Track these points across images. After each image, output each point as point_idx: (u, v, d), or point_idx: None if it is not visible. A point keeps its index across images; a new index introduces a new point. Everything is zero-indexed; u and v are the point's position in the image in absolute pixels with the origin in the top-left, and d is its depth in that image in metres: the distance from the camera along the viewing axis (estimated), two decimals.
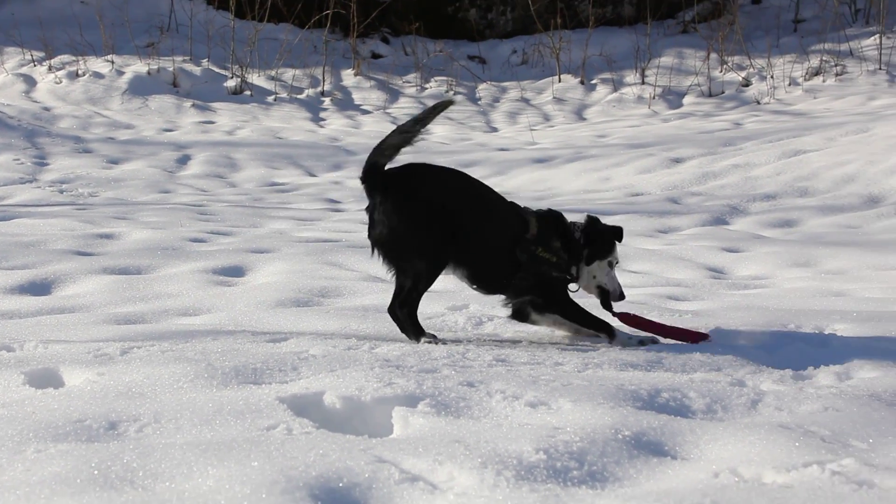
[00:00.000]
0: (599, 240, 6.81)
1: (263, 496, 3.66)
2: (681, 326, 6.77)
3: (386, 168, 6.42)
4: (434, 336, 6.41)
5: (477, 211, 6.54)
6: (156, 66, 22.61)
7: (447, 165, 6.91)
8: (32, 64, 22.80)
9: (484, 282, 6.64)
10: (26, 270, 8.85)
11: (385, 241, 6.38)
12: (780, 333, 6.70)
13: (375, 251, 6.46)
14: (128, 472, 3.87)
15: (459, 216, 6.43)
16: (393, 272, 6.50)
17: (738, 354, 6.18)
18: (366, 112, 22.12)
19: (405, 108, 22.37)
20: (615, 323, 6.73)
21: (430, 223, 6.34)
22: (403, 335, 6.50)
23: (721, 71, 23.38)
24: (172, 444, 4.17)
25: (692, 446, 4.36)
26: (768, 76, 22.49)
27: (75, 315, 7.42)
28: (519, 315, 6.77)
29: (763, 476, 4.00)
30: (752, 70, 23.11)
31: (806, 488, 3.85)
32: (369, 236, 6.45)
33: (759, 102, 21.57)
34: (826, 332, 6.79)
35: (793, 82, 22.27)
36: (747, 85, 22.68)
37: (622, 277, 9.43)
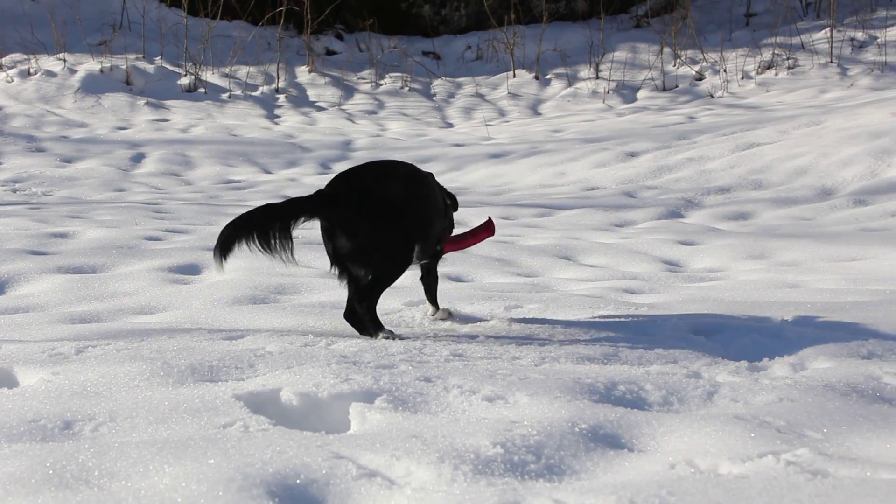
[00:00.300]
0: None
1: (220, 494, 3.64)
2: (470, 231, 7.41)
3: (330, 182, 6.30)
4: (391, 332, 6.39)
5: (420, 193, 6.47)
6: (108, 65, 22.46)
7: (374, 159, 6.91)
8: None
9: (427, 254, 6.70)
10: None
11: (352, 249, 6.18)
12: (736, 325, 6.74)
13: (337, 265, 6.29)
14: (83, 472, 3.85)
15: (409, 203, 6.34)
16: (352, 276, 6.34)
17: (694, 347, 6.21)
18: (321, 109, 22.07)
19: (360, 105, 22.35)
20: None
21: (394, 218, 6.25)
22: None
23: (674, 65, 23.50)
24: (128, 443, 4.15)
25: (649, 438, 4.38)
26: (721, 70, 22.62)
27: (30, 315, 7.36)
28: (428, 275, 7.06)
29: (719, 467, 4.02)
30: (705, 64, 23.24)
31: (761, 479, 3.87)
32: (335, 251, 6.24)
33: (712, 96, 21.70)
34: (781, 324, 6.83)
35: (745, 76, 22.41)
36: (701, 79, 22.80)
37: (579, 271, 9.48)
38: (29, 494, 3.65)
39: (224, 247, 6.09)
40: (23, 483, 3.73)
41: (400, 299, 7.67)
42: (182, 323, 6.97)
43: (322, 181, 16.60)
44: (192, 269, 9.14)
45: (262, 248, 6.07)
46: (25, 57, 22.58)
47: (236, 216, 6.14)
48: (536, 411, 4.61)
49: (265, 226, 6.05)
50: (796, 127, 16.62)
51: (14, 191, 14.81)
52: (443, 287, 8.15)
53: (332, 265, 6.32)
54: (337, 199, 6.16)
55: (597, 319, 7.02)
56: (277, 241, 6.07)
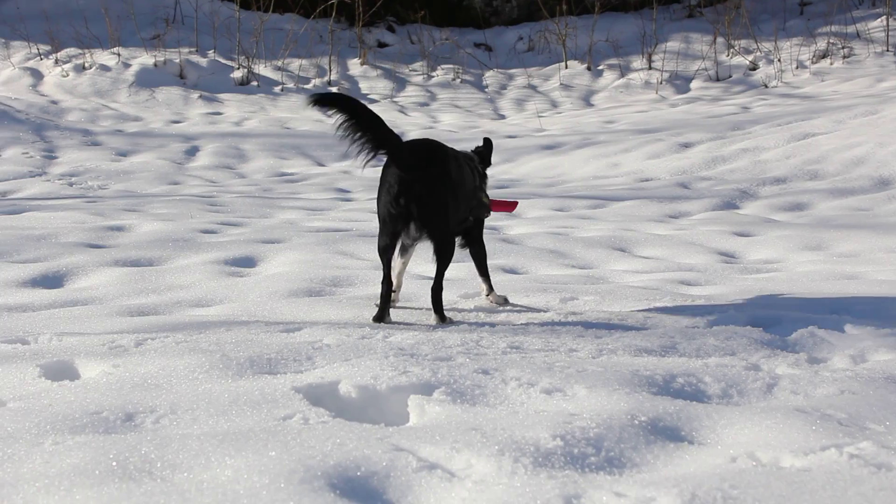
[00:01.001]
0: None
1: (282, 486, 3.66)
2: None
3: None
4: (450, 319, 6.75)
5: (464, 174, 7.11)
6: (162, 58, 22.60)
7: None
8: (39, 58, 22.81)
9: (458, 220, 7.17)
10: (38, 263, 8.86)
11: (421, 210, 6.60)
12: (794, 317, 6.68)
13: (400, 217, 6.60)
14: (146, 464, 3.88)
15: (460, 183, 6.96)
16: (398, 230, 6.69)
17: (752, 339, 6.17)
18: (373, 101, 22.10)
19: (412, 97, 22.36)
20: None
21: (451, 193, 6.77)
22: (415, 322, 6.51)
23: (728, 55, 23.34)
24: (189, 435, 4.18)
25: (709, 431, 4.36)
26: (775, 59, 22.45)
27: (88, 307, 7.42)
28: (473, 243, 7.49)
29: (781, 460, 4.00)
30: (759, 53, 23.06)
31: (824, 472, 3.85)
32: (406, 204, 6.58)
33: (766, 86, 21.53)
34: (840, 315, 6.77)
35: (800, 65, 22.22)
36: (754, 69, 22.63)
37: (634, 262, 9.45)
38: (94, 486, 3.69)
39: (324, 102, 6.60)
40: (87, 474, 3.77)
41: (456, 291, 7.66)
42: (239, 315, 7.01)
43: (375, 173, 16.62)
44: (248, 262, 9.19)
45: (344, 131, 6.61)
46: (80, 51, 22.77)
47: (353, 99, 6.64)
48: (595, 404, 4.61)
49: (360, 124, 6.58)
50: (852, 116, 16.47)
51: (70, 184, 14.94)
52: (498, 279, 8.15)
53: (391, 215, 6.59)
54: (420, 167, 6.60)
55: (653, 311, 6.99)
56: (356, 141, 6.62)
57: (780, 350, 5.97)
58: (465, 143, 16.95)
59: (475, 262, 7.42)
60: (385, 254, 6.71)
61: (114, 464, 3.85)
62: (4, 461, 3.95)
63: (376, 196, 6.78)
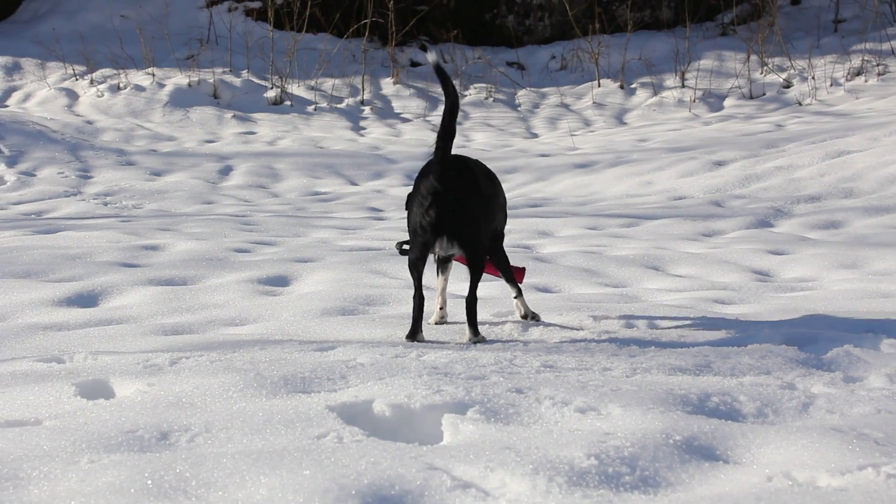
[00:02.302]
0: None
1: None
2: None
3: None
4: (483, 337, 6.77)
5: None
6: (196, 78, 22.73)
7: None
8: (74, 78, 22.98)
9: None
10: (73, 283, 8.91)
11: (454, 224, 6.66)
12: (829, 336, 6.65)
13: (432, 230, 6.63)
14: (181, 482, 3.89)
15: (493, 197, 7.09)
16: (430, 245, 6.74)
17: (787, 357, 6.15)
18: (406, 120, 22.16)
19: None
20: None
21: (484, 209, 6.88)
22: (448, 341, 6.51)
23: (761, 73, 23.28)
24: (224, 454, 4.19)
25: (744, 450, 4.34)
26: (809, 77, 22.37)
27: (123, 326, 7.46)
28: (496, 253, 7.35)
29: (817, 479, 3.98)
30: (792, 71, 22.99)
31: (861, 491, 3.82)
32: (439, 218, 6.62)
33: (800, 104, 21.46)
34: (876, 334, 6.73)
35: (834, 83, 22.14)
36: (788, 86, 22.56)
37: (667, 281, 9.42)
38: None
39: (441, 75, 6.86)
40: (122, 493, 3.78)
41: (489, 310, 7.66)
42: (273, 334, 7.03)
43: (408, 192, 16.62)
44: (282, 281, 9.22)
45: None
46: (115, 72, 22.92)
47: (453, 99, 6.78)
48: (630, 423, 4.59)
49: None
50: (887, 134, 16.39)
51: (105, 204, 15.03)
52: (531, 297, 8.14)
53: (422, 227, 6.62)
54: (452, 178, 6.63)
55: (687, 330, 6.96)
56: None
57: (816, 369, 5.94)
58: (499, 163, 17.00)
59: (501, 271, 7.36)
60: (415, 268, 6.71)
61: (149, 482, 3.87)
62: (41, 480, 3.97)
63: (406, 211, 6.79)
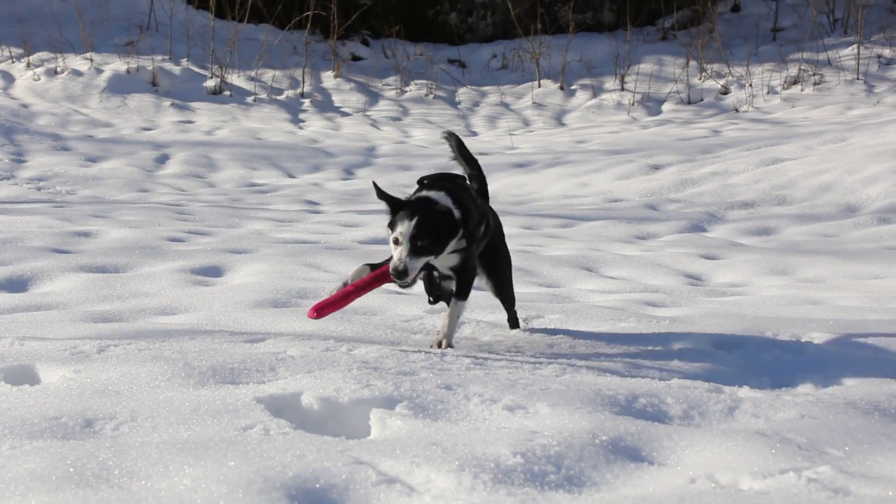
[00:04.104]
0: None
1: (240, 496, 3.65)
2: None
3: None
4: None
5: None
6: (135, 65, 22.53)
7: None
8: (11, 60, 22.70)
9: None
10: (3, 267, 8.81)
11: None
12: (758, 341, 6.71)
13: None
14: (104, 471, 3.86)
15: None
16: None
17: (716, 361, 6.20)
18: (345, 114, 22.10)
19: (385, 111, 22.36)
20: None
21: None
22: (379, 336, 6.49)
23: (700, 78, 23.45)
24: (149, 443, 4.16)
25: (669, 452, 4.37)
26: (747, 84, 22.56)
27: (52, 312, 7.38)
28: None
29: (740, 482, 4.01)
30: (730, 78, 23.19)
31: (782, 495, 3.86)
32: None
33: (737, 110, 21.65)
34: (803, 340, 6.80)
35: (771, 91, 22.36)
36: (726, 93, 22.75)
37: (601, 282, 9.47)
38: (50, 491, 3.66)
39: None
40: (44, 480, 3.74)
41: (422, 307, 7.65)
42: (203, 324, 6.98)
43: (346, 186, 16.72)
44: (214, 272, 9.16)
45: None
46: (53, 56, 22.66)
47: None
48: (557, 422, 4.61)
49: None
50: (821, 143, 16.57)
51: (38, 189, 14.86)
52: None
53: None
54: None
55: (618, 331, 7.00)
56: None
57: (743, 373, 5.99)
58: (436, 160, 16.98)
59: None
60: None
61: (71, 470, 3.83)
62: None
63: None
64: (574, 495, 3.90)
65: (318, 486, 3.78)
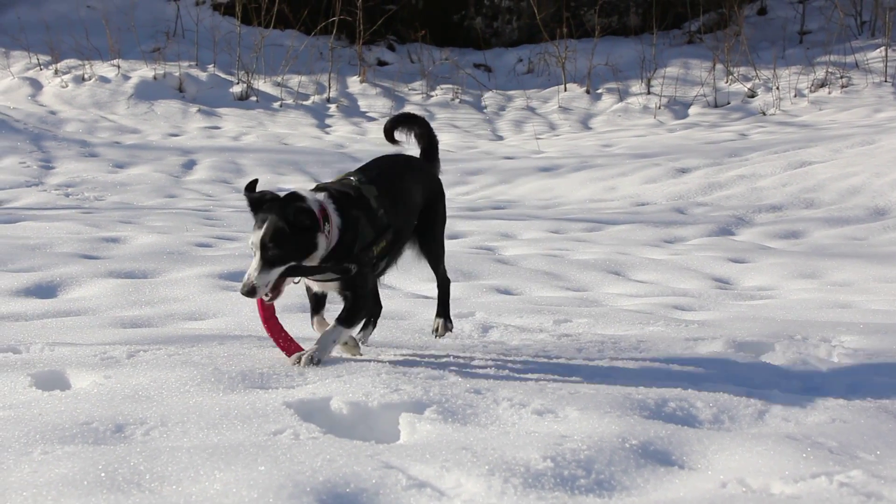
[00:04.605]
0: None
1: (271, 500, 3.66)
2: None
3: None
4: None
5: None
6: (162, 72, 22.61)
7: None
8: (39, 68, 22.81)
9: None
10: (32, 273, 8.85)
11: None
12: (787, 345, 6.68)
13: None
14: (135, 475, 3.87)
15: None
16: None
17: (745, 365, 6.18)
18: (371, 119, 22.12)
19: None
20: None
21: None
22: (407, 341, 6.49)
23: (727, 82, 23.38)
24: (179, 448, 4.17)
25: (699, 456, 4.36)
26: (774, 87, 22.49)
27: (81, 318, 7.41)
28: None
29: (771, 487, 3.99)
30: (757, 81, 23.11)
31: (814, 499, 3.84)
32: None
33: (764, 114, 21.57)
34: (833, 344, 6.77)
35: (798, 94, 22.27)
36: (753, 96, 22.67)
37: (628, 286, 9.44)
38: (82, 496, 3.68)
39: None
40: (75, 485, 3.76)
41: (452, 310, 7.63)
42: (232, 330, 7.00)
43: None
44: (242, 277, 9.16)
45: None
46: (80, 63, 22.77)
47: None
48: (587, 426, 4.60)
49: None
50: (849, 146, 16.50)
51: (67, 195, 14.93)
52: (491, 299, 8.14)
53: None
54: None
55: (646, 335, 6.98)
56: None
57: (773, 377, 5.96)
58: (462, 164, 17.00)
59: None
60: None
61: (102, 475, 3.84)
62: None
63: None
64: (604, 499, 3.90)
65: (348, 490, 3.79)
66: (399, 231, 5.98)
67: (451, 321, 6.43)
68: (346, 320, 5.74)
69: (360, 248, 5.66)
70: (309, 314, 6.13)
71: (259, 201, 5.62)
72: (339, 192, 5.70)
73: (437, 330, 6.36)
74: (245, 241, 11.20)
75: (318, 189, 5.80)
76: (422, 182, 6.31)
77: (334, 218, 5.58)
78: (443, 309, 6.43)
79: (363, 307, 5.81)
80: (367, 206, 5.76)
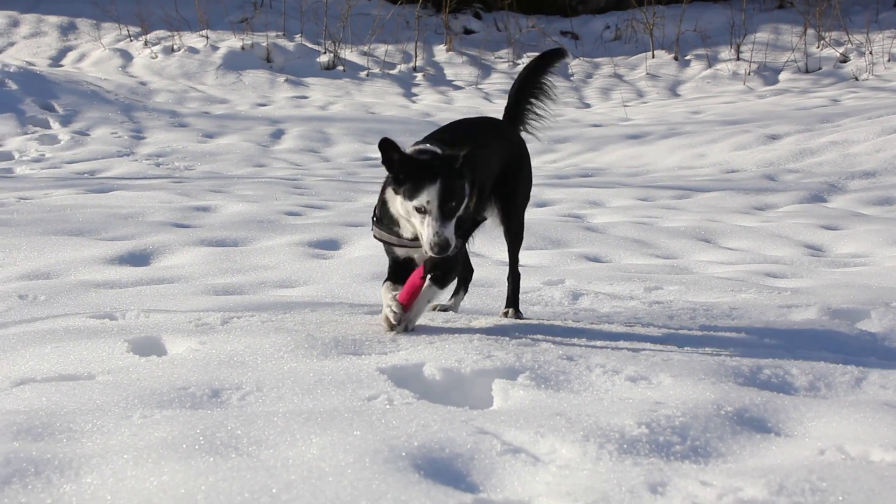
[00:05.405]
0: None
1: (367, 464, 3.68)
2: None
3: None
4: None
5: None
6: (249, 42, 22.77)
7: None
8: (129, 39, 23.07)
9: None
10: (126, 241, 8.97)
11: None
12: (883, 312, 6.58)
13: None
14: (232, 439, 3.91)
15: None
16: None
17: (840, 332, 6.10)
18: (458, 88, 22.11)
19: (497, 84, 22.32)
20: None
21: None
22: (498, 307, 6.48)
23: (818, 47, 23.04)
24: (275, 413, 4.21)
25: (796, 423, 4.31)
26: (867, 52, 22.11)
27: (175, 285, 7.50)
28: None
29: (870, 454, 3.94)
30: (849, 46, 22.74)
31: None
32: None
33: (857, 79, 21.22)
34: None
35: (892, 58, 21.88)
36: (845, 61, 22.32)
37: (719, 254, 9.35)
38: (181, 459, 3.72)
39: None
40: (175, 448, 3.81)
41: (539, 278, 7.63)
42: (323, 297, 7.04)
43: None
44: (332, 245, 9.23)
45: None
46: (169, 34, 22.99)
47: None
48: (681, 393, 4.57)
49: None
50: None
51: (158, 164, 15.11)
52: (581, 267, 8.11)
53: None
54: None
55: (739, 303, 6.91)
56: None
57: (869, 344, 5.89)
58: (549, 132, 16.91)
59: None
60: None
61: (200, 438, 3.89)
62: (94, 433, 4.00)
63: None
64: (700, 466, 3.87)
65: (443, 455, 3.80)
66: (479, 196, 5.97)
67: (521, 313, 6.32)
68: (439, 279, 5.73)
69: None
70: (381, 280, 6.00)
71: (414, 160, 5.69)
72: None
73: (506, 315, 6.28)
74: (335, 209, 11.26)
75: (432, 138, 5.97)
76: (501, 146, 6.26)
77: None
78: (513, 300, 6.35)
79: (454, 268, 5.83)
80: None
